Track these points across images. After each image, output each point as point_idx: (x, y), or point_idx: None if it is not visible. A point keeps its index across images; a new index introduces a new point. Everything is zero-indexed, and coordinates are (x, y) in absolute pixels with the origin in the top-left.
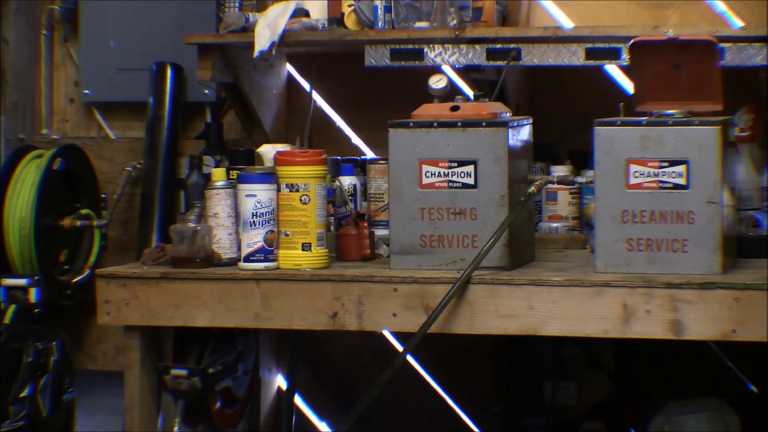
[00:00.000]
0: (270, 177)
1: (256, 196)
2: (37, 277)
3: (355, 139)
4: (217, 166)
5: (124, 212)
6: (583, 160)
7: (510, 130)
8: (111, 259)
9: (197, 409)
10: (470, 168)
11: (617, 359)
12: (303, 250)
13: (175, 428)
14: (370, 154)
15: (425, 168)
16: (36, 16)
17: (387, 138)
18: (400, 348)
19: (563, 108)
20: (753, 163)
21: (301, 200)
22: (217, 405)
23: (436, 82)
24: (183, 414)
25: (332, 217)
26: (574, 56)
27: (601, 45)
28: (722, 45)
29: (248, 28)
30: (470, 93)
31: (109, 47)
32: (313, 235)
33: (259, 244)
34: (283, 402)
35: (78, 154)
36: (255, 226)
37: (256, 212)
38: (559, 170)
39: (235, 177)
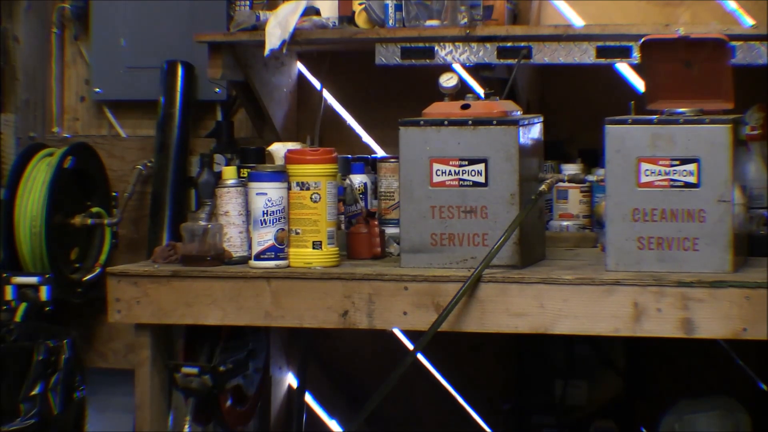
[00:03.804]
0: (281, 175)
1: (267, 194)
2: (47, 276)
3: (366, 138)
4: (227, 165)
5: (135, 210)
6: (593, 158)
7: (521, 128)
8: (122, 257)
9: (208, 407)
10: (481, 166)
11: (628, 358)
12: (313, 248)
13: (186, 426)
14: (380, 152)
15: (436, 166)
16: (47, 14)
17: (398, 136)
18: (410, 346)
19: (574, 106)
20: (764, 162)
21: (311, 198)
22: (228, 403)
23: (447, 81)
24: (193, 412)
25: (343, 216)
26: (585, 55)
27: (612, 43)
28: (733, 43)
29: (259, 27)
30: (481, 91)
31: (120, 45)
32: (323, 233)
33: (270, 243)
34: (294, 400)
35: (89, 152)
36: (266, 224)
37: (267, 210)
38: (570, 168)
39: (245, 175)
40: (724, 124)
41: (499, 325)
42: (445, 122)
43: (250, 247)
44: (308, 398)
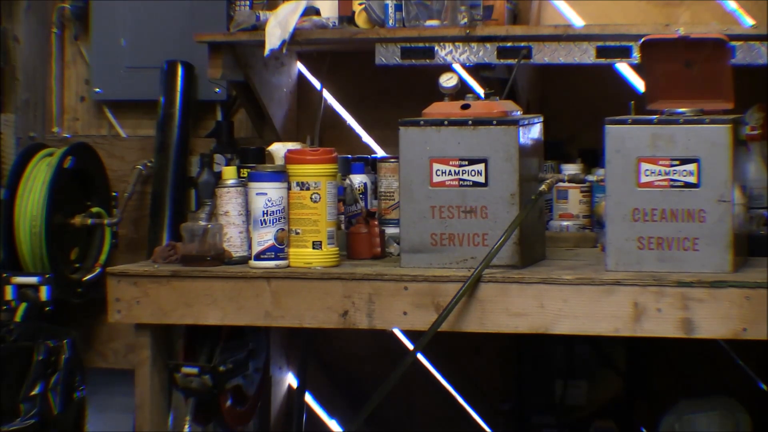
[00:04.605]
0: (280, 175)
1: (267, 194)
2: (47, 276)
3: (366, 138)
4: (227, 165)
5: (135, 210)
6: (593, 158)
7: (521, 128)
8: (122, 257)
9: (208, 407)
10: (481, 166)
11: (628, 358)
12: (313, 248)
13: (186, 426)
14: (380, 152)
15: (436, 166)
16: (47, 14)
17: (397, 136)
18: (410, 346)
19: (574, 106)
20: (764, 162)
21: (311, 198)
22: (228, 403)
23: (447, 81)
24: (193, 412)
25: (343, 216)
26: (585, 54)
27: (612, 43)
28: (733, 43)
29: (259, 27)
30: (481, 91)
31: (120, 45)
32: (323, 233)
33: (270, 243)
34: (294, 400)
35: (89, 152)
36: (265, 224)
37: (267, 210)
38: (570, 168)
39: (245, 175)
40: (724, 124)
41: (499, 325)
42: (445, 122)
43: (250, 247)
44: (308, 398)
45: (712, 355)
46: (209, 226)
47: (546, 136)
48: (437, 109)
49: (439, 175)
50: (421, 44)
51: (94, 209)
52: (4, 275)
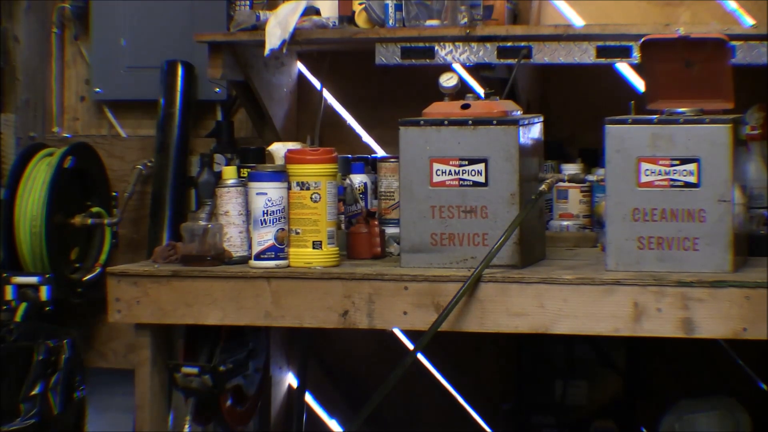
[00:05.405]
0: (281, 175)
1: (267, 194)
2: (47, 275)
3: (366, 138)
4: (227, 165)
5: (135, 210)
6: (594, 158)
7: (521, 128)
8: (122, 257)
9: (208, 407)
10: (481, 166)
11: (628, 358)
12: (314, 248)
13: (186, 426)
14: (380, 152)
15: (436, 166)
16: (47, 14)
17: (398, 136)
18: (410, 346)
19: (574, 106)
20: (764, 162)
21: (311, 198)
22: (228, 403)
23: (447, 81)
24: (194, 412)
25: (343, 216)
26: (585, 54)
27: (612, 43)
28: (733, 43)
29: (259, 27)
30: (481, 91)
31: (120, 45)
32: (323, 233)
33: (270, 243)
34: (294, 400)
35: (89, 152)
36: (266, 224)
37: (267, 210)
38: (570, 168)
39: (245, 175)
40: (724, 124)
41: (499, 324)
42: (445, 122)
43: (250, 247)
44: (308, 398)
45: (712, 355)
46: (209, 226)
47: (546, 136)
48: (437, 109)
49: (439, 175)
50: (421, 44)
51: (94, 209)
52: (4, 275)
